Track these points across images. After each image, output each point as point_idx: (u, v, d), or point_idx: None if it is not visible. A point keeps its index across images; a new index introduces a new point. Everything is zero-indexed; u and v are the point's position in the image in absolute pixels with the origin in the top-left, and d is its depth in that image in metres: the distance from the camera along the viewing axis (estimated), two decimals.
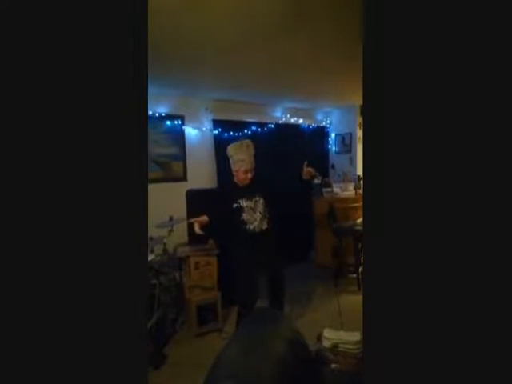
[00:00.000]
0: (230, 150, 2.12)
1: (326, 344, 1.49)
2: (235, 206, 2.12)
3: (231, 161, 2.13)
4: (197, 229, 2.01)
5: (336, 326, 2.11)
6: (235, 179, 2.16)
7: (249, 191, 2.14)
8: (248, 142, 2.14)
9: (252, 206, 2.14)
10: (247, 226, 2.14)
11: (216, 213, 2.15)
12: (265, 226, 2.18)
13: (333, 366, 1.45)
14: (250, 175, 2.10)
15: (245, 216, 2.13)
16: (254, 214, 2.14)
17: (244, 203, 2.12)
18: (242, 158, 2.07)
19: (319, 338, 1.59)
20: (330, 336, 1.52)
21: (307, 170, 2.09)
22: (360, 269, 3.17)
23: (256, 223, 2.15)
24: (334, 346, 1.46)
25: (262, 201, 2.16)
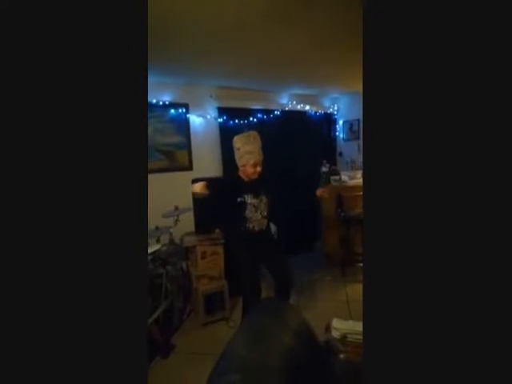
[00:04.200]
0: (237, 141, 1.96)
1: (335, 334, 1.47)
2: (239, 200, 2.00)
3: (238, 154, 1.97)
4: (200, 188, 1.81)
5: (344, 316, 2.09)
6: (240, 173, 2.03)
7: (254, 188, 2.01)
8: (255, 133, 2.01)
9: (256, 204, 2.03)
10: (247, 225, 2.04)
11: (219, 204, 2.07)
12: (264, 227, 2.11)
13: (341, 356, 1.43)
14: (258, 169, 1.95)
15: (247, 213, 2.02)
16: (255, 212, 2.04)
17: (249, 199, 2.00)
18: (250, 150, 1.91)
19: (327, 328, 1.57)
20: (339, 326, 1.49)
21: (321, 191, 2.08)
22: None
23: (256, 223, 2.06)
24: (343, 337, 1.44)
25: (265, 200, 2.06)
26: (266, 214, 2.08)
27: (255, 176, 1.98)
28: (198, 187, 1.83)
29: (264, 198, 2.05)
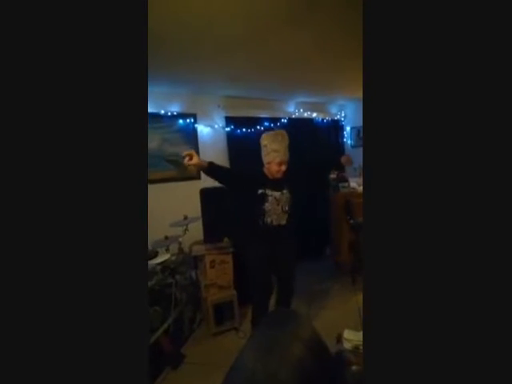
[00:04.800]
0: (265, 138, 1.97)
1: (347, 346, 1.44)
2: (260, 192, 1.97)
3: (264, 151, 1.97)
4: (194, 159, 1.87)
5: (355, 325, 2.05)
6: (265, 170, 2.02)
7: (277, 183, 2.00)
8: (283, 132, 2.01)
9: (278, 197, 1.99)
10: (265, 219, 2.00)
11: (235, 201, 2.06)
12: (283, 222, 2.05)
13: (354, 367, 1.40)
14: (283, 168, 1.95)
15: (267, 206, 1.98)
16: (277, 205, 2.00)
17: (270, 192, 1.98)
18: (276, 149, 1.91)
19: (339, 338, 1.54)
20: (351, 337, 1.47)
21: (346, 158, 2.19)
22: None
23: (275, 216, 2.01)
24: (356, 348, 1.41)
25: (288, 195, 2.03)
26: (287, 208, 2.04)
27: (279, 175, 1.98)
28: (194, 159, 1.86)
29: (287, 193, 2.02)
